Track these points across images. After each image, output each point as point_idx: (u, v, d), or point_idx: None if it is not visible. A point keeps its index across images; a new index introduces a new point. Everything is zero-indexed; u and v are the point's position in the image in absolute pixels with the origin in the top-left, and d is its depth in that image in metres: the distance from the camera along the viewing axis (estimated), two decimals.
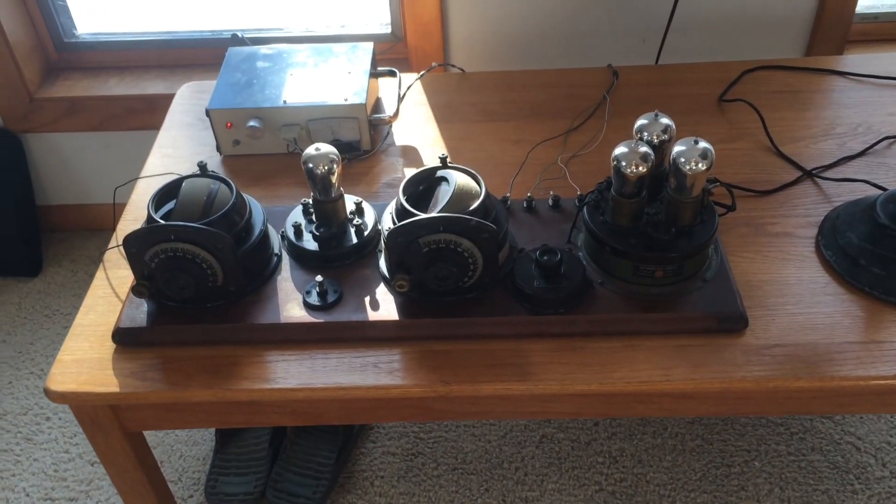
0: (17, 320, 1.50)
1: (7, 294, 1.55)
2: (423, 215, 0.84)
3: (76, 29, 1.54)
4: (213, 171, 0.93)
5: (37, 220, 1.60)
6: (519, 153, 1.11)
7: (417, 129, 1.17)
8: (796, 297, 0.90)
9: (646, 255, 0.87)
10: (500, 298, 0.88)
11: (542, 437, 1.26)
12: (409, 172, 0.92)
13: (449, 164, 0.92)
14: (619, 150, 0.85)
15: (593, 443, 1.25)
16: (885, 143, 1.08)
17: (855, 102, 1.16)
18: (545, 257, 0.88)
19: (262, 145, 1.12)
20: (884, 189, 0.98)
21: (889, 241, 0.90)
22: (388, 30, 1.49)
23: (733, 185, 1.02)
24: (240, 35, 1.44)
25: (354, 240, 0.94)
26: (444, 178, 0.90)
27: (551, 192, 1.00)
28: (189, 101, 1.26)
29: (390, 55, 1.49)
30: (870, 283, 0.89)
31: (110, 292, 0.96)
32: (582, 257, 0.92)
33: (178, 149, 1.17)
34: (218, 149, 1.13)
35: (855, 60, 1.24)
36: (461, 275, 0.86)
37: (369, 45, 1.18)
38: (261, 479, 1.21)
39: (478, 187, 0.89)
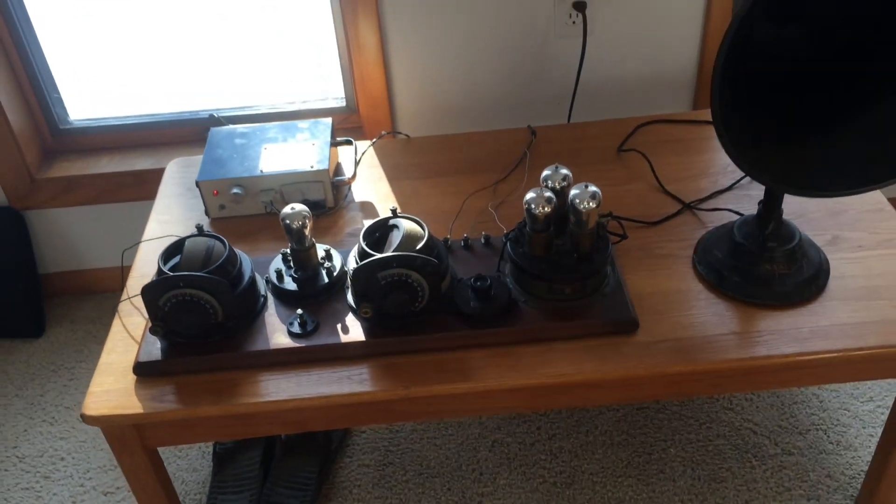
0: (26, 376, 1.68)
1: (16, 354, 1.73)
2: (380, 255, 1.07)
3: (69, 116, 1.76)
4: (208, 231, 1.15)
5: (39, 286, 1.79)
6: (456, 202, 1.35)
7: (372, 187, 1.41)
8: (677, 304, 1.14)
9: (556, 276, 1.11)
10: (445, 318, 1.11)
11: (493, 442, 1.47)
12: (367, 223, 1.15)
13: (398, 214, 1.15)
14: (529, 195, 1.09)
15: (536, 443, 1.47)
16: (746, 179, 1.35)
17: None
18: (478, 283, 1.12)
19: (244, 208, 1.34)
20: (741, 215, 1.23)
21: (744, 255, 1.15)
22: (343, 103, 1.74)
23: (627, 218, 1.27)
24: (216, 115, 1.68)
25: (326, 280, 1.17)
26: (395, 226, 1.14)
27: (483, 233, 1.24)
28: (177, 174, 1.49)
29: (346, 125, 1.73)
30: (733, 290, 1.14)
31: (126, 336, 1.17)
32: (508, 282, 1.15)
33: (172, 215, 1.39)
34: (206, 213, 1.35)
35: None
36: (412, 301, 1.08)
37: (329, 121, 1.42)
38: (254, 495, 1.40)
39: (422, 231, 1.12)
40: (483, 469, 1.43)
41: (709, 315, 1.12)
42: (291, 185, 1.32)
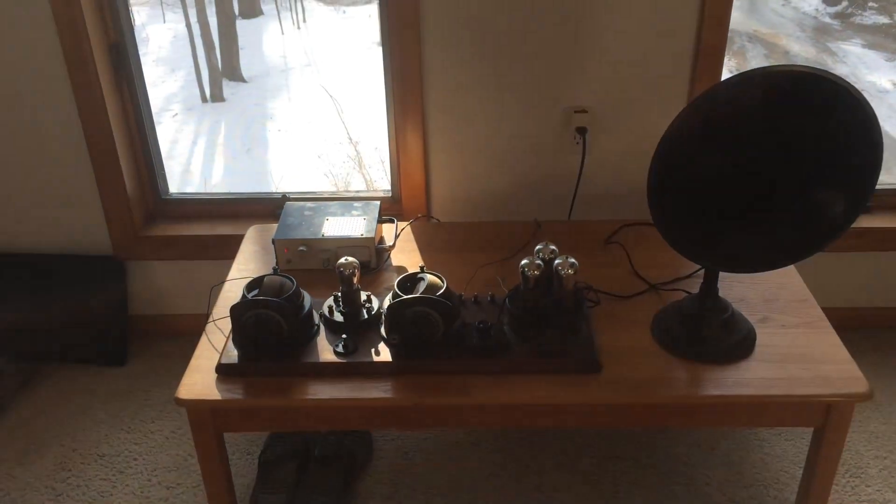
0: (109, 395, 2.03)
1: (102, 377, 2.08)
2: (408, 296, 1.43)
3: (169, 188, 2.19)
4: (282, 273, 1.53)
5: (126, 324, 2.17)
6: (471, 270, 1.71)
7: (407, 255, 1.78)
8: (635, 356, 1.47)
9: (540, 324, 1.45)
10: (454, 349, 1.45)
11: (489, 475, 1.77)
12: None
13: (424, 270, 1.52)
14: (524, 261, 1.45)
15: (523, 478, 1.76)
16: (702, 270, 1.70)
17: None
18: (481, 325, 1.46)
19: (306, 263, 1.72)
20: (690, 293, 1.58)
21: (689, 322, 1.49)
22: (390, 194, 2.14)
23: (604, 291, 1.62)
24: (287, 196, 2.09)
25: (366, 316, 1.52)
26: (422, 278, 1.50)
27: (490, 293, 1.59)
28: (255, 237, 1.88)
29: (390, 212, 2.13)
30: (679, 348, 1.46)
31: (210, 347, 1.52)
32: (506, 328, 1.50)
33: (248, 266, 1.77)
34: (276, 265, 1.74)
35: None
36: (430, 333, 1.43)
37: (377, 203, 1.82)
38: (289, 498, 1.71)
39: (442, 283, 1.49)
40: (479, 494, 1.73)
41: (659, 365, 1.45)
42: (345, 247, 1.70)
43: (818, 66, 1.20)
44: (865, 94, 1.23)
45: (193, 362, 1.49)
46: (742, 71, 1.23)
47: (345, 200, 1.89)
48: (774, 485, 1.72)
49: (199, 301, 2.16)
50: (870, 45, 6.23)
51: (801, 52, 6.07)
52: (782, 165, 1.29)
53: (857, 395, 1.37)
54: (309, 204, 1.83)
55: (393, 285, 1.49)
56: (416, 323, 1.43)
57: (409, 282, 1.51)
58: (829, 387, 1.39)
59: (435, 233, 1.87)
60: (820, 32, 6.45)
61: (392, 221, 1.83)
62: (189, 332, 2.19)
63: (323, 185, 3.92)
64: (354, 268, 1.50)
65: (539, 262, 1.45)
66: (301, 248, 1.70)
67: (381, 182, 3.92)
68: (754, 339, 1.49)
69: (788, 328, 1.53)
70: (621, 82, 1.90)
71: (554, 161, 2.00)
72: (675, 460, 1.79)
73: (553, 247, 1.50)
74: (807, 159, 1.27)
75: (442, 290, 1.46)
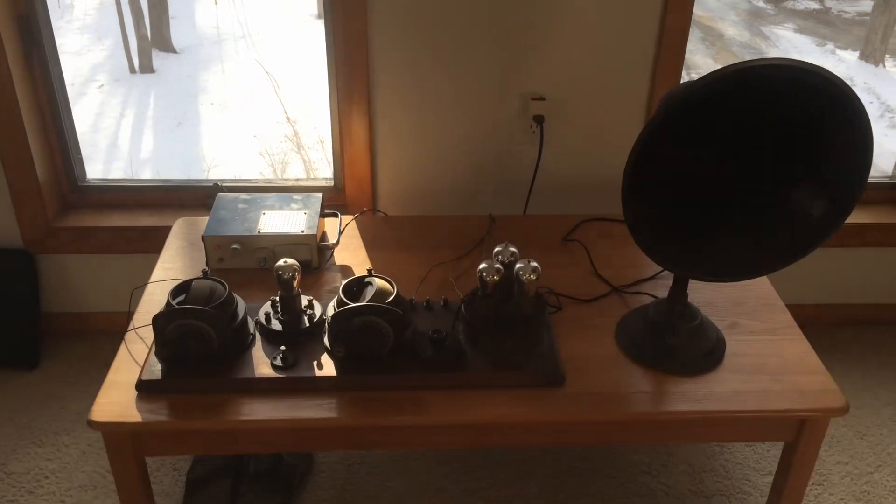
0: (18, 403, 1.83)
1: (11, 382, 1.89)
2: (355, 304, 1.29)
3: (87, 175, 1.99)
4: (212, 276, 1.37)
5: (39, 323, 1.97)
6: (422, 271, 1.58)
7: (351, 253, 1.64)
8: (600, 366, 1.37)
9: (500, 334, 1.33)
10: (405, 362, 1.32)
11: (436, 489, 1.65)
12: (346, 280, 1.38)
13: (372, 274, 1.38)
14: (482, 266, 1.33)
15: (477, 490, 1.65)
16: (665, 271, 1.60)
17: None
18: (435, 335, 1.34)
19: (241, 262, 1.56)
20: (657, 298, 1.48)
21: (656, 330, 1.39)
22: (332, 183, 1.99)
23: (565, 294, 1.51)
24: (220, 184, 1.92)
25: (307, 324, 1.38)
26: (370, 283, 1.36)
27: (443, 296, 1.47)
28: (183, 231, 1.71)
29: (333, 202, 1.98)
30: (645, 358, 1.37)
31: (130, 360, 1.36)
32: (461, 337, 1.37)
33: (175, 264, 1.60)
34: (207, 264, 1.57)
35: None
36: (379, 345, 1.30)
37: (319, 195, 1.67)
38: None
39: (392, 289, 1.35)
40: None
41: (624, 377, 1.35)
42: (283, 245, 1.55)
43: (782, 56, 1.10)
44: None
45: (111, 377, 1.32)
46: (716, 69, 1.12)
47: (283, 192, 1.73)
48: (737, 494, 1.65)
49: (119, 298, 1.98)
50: (801, 30, 6.31)
51: (736, 36, 6.11)
52: (765, 165, 1.19)
53: (832, 409, 1.30)
54: (243, 195, 1.67)
55: (338, 290, 1.35)
56: (364, 333, 1.29)
57: (356, 286, 1.37)
58: (804, 401, 1.31)
59: (382, 228, 1.73)
60: (754, 16, 6.51)
61: (336, 216, 1.68)
62: (108, 331, 2.02)
63: (259, 166, 3.73)
64: (294, 271, 1.35)
65: (498, 266, 1.33)
66: (234, 245, 1.54)
67: (321, 163, 3.75)
68: (724, 348, 1.40)
69: (758, 335, 1.45)
70: (581, 68, 1.79)
71: (509, 151, 1.87)
72: (634, 469, 1.70)
73: (513, 249, 1.38)
74: (792, 158, 1.17)
75: (392, 297, 1.32)
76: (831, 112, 1.13)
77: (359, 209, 1.88)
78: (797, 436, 1.34)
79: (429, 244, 1.67)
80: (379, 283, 1.35)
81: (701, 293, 1.52)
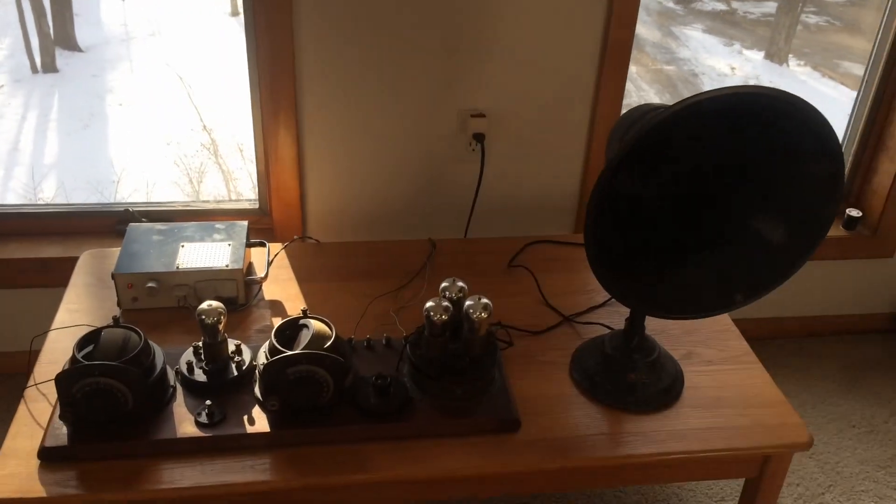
0: None
1: None
2: (290, 352, 1.16)
3: None
4: (125, 323, 1.22)
5: None
6: (361, 305, 1.46)
7: (281, 287, 1.50)
8: (556, 406, 1.28)
9: (449, 377, 1.23)
10: (346, 412, 1.20)
11: None
12: (277, 322, 1.25)
13: (308, 315, 1.25)
14: (429, 304, 1.22)
15: None
16: None
17: None
18: (378, 381, 1.22)
19: (157, 301, 1.41)
20: (611, 329, 1.40)
21: (612, 365, 1.31)
22: (257, 205, 1.84)
23: (514, 327, 1.42)
24: (131, 209, 1.75)
25: (235, 373, 1.24)
26: (305, 325, 1.24)
27: (385, 335, 1.35)
28: (90, 265, 1.54)
29: (258, 226, 1.83)
30: (603, 396, 1.29)
31: (32, 421, 1.19)
32: (406, 381, 1.26)
33: (82, 304, 1.44)
34: (118, 304, 1.41)
35: None
36: (317, 396, 1.18)
37: (244, 224, 1.53)
38: None
39: (330, 332, 1.23)
40: None
41: (582, 417, 1.26)
42: (206, 282, 1.40)
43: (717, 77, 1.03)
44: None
45: (8, 443, 1.16)
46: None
47: (204, 218, 1.58)
48: None
49: (17, 339, 1.79)
50: (709, 30, 6.44)
51: (648, 36, 6.19)
52: (733, 191, 1.12)
53: (797, 444, 1.25)
54: (159, 226, 1.51)
55: (269, 332, 1.22)
56: (300, 384, 1.16)
57: (289, 329, 1.24)
58: (768, 436, 1.25)
59: (314, 257, 1.60)
60: (665, 17, 6.61)
61: (263, 245, 1.54)
62: (9, 371, 1.82)
63: (173, 174, 3.49)
64: (219, 314, 1.21)
65: (447, 304, 1.22)
66: (150, 283, 1.38)
67: (240, 174, 3.55)
68: (682, 381, 1.34)
69: (715, 364, 1.39)
70: (522, 83, 1.69)
71: (448, 171, 1.77)
72: (585, 499, 1.62)
73: (461, 283, 1.28)
74: (761, 181, 1.11)
75: (330, 341, 1.20)
76: (793, 127, 1.07)
77: (288, 235, 1.74)
78: (760, 471, 1.28)
79: (365, 273, 1.55)
80: (315, 325, 1.23)
81: (653, 320, 1.45)
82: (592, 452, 1.21)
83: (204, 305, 1.22)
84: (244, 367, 1.25)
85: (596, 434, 1.23)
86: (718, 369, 1.38)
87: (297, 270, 1.56)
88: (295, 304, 1.46)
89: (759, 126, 1.07)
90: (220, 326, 1.22)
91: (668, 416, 1.28)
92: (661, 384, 1.30)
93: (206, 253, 1.44)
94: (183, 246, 1.46)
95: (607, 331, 1.40)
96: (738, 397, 1.32)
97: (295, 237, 1.63)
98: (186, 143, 3.96)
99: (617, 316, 1.48)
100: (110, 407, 1.13)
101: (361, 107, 1.67)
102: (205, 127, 4.02)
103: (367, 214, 1.79)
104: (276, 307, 1.45)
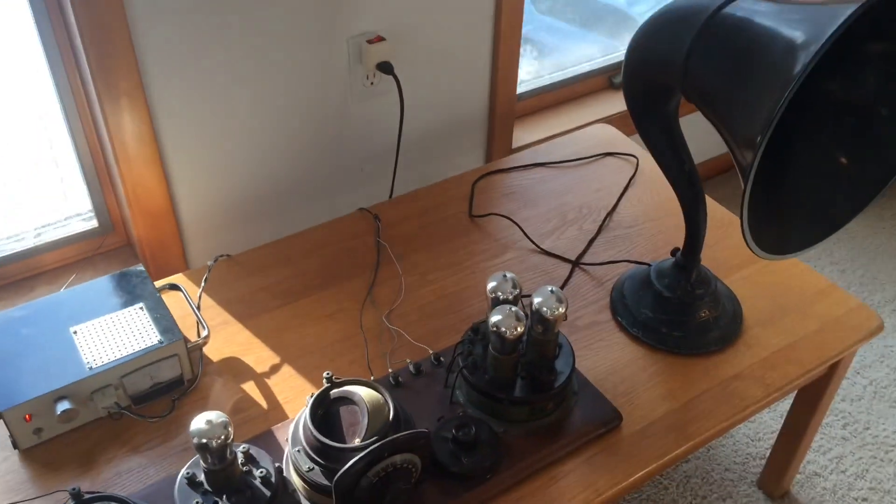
0: None
1: None
2: (360, 448, 0.82)
3: None
4: (90, 491, 0.79)
5: None
6: (338, 326, 1.11)
7: (225, 338, 1.10)
8: (634, 376, 1.07)
9: (539, 395, 0.96)
10: (438, 488, 0.91)
11: None
12: (248, 388, 0.89)
13: (335, 381, 0.91)
14: (496, 318, 0.92)
15: None
16: (608, 219, 1.33)
17: (566, 188, 1.39)
18: (460, 433, 0.93)
19: (76, 422, 0.95)
20: (641, 263, 1.21)
21: (673, 307, 1.12)
22: (94, 223, 1.34)
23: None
24: None
25: (267, 493, 0.87)
26: (344, 398, 0.89)
27: (407, 360, 1.04)
28: None
29: (102, 250, 1.34)
30: (677, 346, 1.11)
31: None
32: (472, 412, 0.98)
33: None
34: (15, 446, 0.93)
35: (550, 148, 1.47)
36: (407, 485, 0.86)
37: (139, 269, 1.07)
38: None
39: (378, 395, 0.90)
40: None
41: (670, 380, 1.08)
42: (139, 371, 0.97)
43: None
44: None
45: None
46: None
47: (22, 259, 1.09)
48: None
49: None
50: None
51: None
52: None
53: (874, 329, 1.16)
54: (17, 312, 1.01)
55: (302, 425, 0.86)
56: (389, 483, 0.84)
57: (321, 409, 0.89)
58: (843, 328, 1.15)
59: (236, 278, 1.19)
60: None
61: (177, 288, 1.10)
62: None
63: None
64: (227, 427, 0.82)
65: (516, 309, 0.94)
66: (60, 403, 0.92)
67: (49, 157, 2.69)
68: (738, 301, 1.18)
69: (743, 269, 1.25)
70: None
71: (352, 116, 1.39)
72: None
73: (510, 274, 0.99)
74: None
75: (392, 409, 0.88)
76: None
77: (161, 255, 1.29)
78: (830, 368, 1.20)
79: (316, 282, 1.19)
80: (359, 393, 0.89)
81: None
82: (710, 416, 1.03)
83: (200, 425, 0.82)
84: (273, 479, 0.88)
85: (698, 395, 1.06)
86: (748, 273, 1.24)
87: (225, 304, 1.15)
88: (252, 355, 1.07)
89: None
90: (230, 440, 0.84)
91: (748, 343, 1.13)
92: (727, 314, 1.15)
93: (115, 331, 0.99)
94: (75, 332, 0.98)
95: (629, 267, 1.20)
96: (791, 298, 1.20)
97: (209, 262, 1.18)
98: None
99: (626, 243, 1.28)
100: None
101: (226, 63, 1.23)
102: None
103: (264, 198, 1.38)
104: (235, 367, 1.06)
